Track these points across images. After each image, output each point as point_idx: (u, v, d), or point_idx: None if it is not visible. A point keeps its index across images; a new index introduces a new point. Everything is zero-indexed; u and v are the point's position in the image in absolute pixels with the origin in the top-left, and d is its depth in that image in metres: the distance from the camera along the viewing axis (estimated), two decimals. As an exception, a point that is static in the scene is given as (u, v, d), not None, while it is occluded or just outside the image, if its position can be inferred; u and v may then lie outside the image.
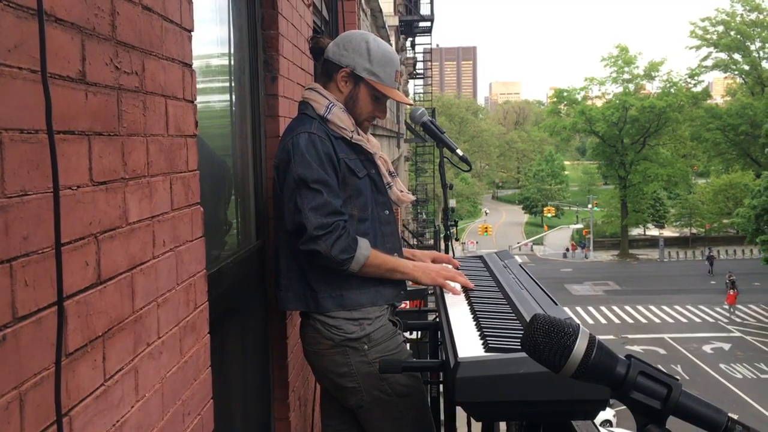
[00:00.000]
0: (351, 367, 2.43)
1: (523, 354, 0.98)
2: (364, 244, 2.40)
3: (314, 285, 2.46)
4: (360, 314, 2.45)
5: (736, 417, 0.86)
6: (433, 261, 2.79)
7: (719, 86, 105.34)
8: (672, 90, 51.14)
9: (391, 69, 2.53)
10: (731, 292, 32.81)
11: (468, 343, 1.84)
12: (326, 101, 2.50)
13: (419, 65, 31.01)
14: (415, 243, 21.21)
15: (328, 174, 2.38)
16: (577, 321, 1.01)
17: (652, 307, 33.96)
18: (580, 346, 0.88)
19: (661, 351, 26.63)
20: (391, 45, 3.07)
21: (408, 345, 5.07)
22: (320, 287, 2.46)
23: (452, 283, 2.53)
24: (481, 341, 1.84)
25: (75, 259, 1.13)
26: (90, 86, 1.19)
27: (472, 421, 2.19)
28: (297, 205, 2.36)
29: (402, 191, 2.68)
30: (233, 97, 2.68)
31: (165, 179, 1.55)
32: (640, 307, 34.03)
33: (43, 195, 1.03)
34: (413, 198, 2.77)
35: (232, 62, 2.66)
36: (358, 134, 2.53)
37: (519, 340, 0.99)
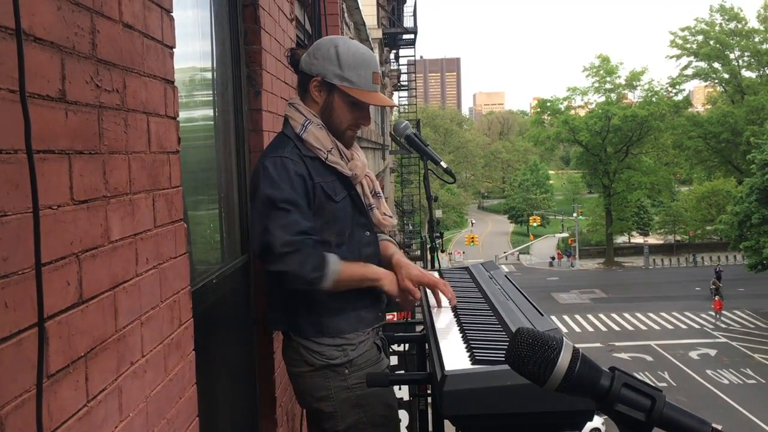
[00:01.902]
0: (330, 391, 2.36)
1: (509, 366, 0.98)
2: (333, 258, 2.28)
3: (295, 309, 2.38)
4: (343, 340, 2.37)
5: (720, 428, 0.86)
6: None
7: (700, 95, 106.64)
8: (653, 99, 51.65)
9: (365, 71, 2.37)
10: (716, 298, 33.05)
11: (455, 356, 1.83)
12: (303, 118, 2.38)
13: (403, 77, 31.14)
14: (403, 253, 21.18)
15: (298, 195, 2.27)
16: (562, 333, 1.02)
17: (638, 315, 34.11)
18: (564, 359, 0.88)
19: (648, 358, 26.73)
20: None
21: (397, 357, 5.05)
22: (301, 312, 2.37)
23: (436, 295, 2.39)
24: (468, 353, 1.84)
25: (56, 279, 1.12)
26: (70, 105, 1.19)
27: (460, 433, 2.18)
28: (265, 225, 2.24)
29: (385, 214, 2.55)
30: (217, 111, 2.68)
31: (147, 196, 1.54)
32: (626, 315, 34.18)
33: (23, 215, 1.02)
34: (395, 222, 2.67)
35: (216, 77, 2.66)
36: (338, 153, 2.39)
37: (505, 353, 0.99)
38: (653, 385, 0.90)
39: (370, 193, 2.50)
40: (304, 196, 2.29)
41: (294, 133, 2.38)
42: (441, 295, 2.43)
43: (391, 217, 2.58)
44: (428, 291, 2.70)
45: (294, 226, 2.22)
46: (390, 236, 2.74)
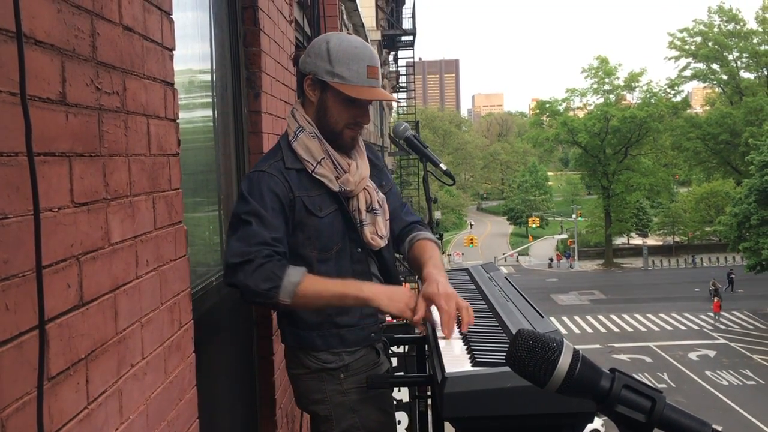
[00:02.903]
0: (325, 394, 2.30)
1: (510, 368, 0.98)
2: (294, 271, 2.06)
3: (280, 316, 2.33)
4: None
5: (720, 429, 0.86)
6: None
7: (698, 96, 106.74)
8: (652, 100, 51.70)
9: (358, 65, 2.21)
10: (715, 299, 33.10)
11: (455, 358, 1.83)
12: (296, 125, 2.28)
13: (402, 79, 31.17)
14: (400, 256, 21.20)
15: (266, 207, 2.12)
16: (562, 335, 1.02)
17: (637, 316, 34.13)
18: (564, 361, 0.88)
19: (648, 359, 26.74)
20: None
21: (396, 359, 5.05)
22: (281, 319, 2.32)
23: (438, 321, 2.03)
24: (468, 355, 1.84)
25: (56, 281, 1.12)
26: (70, 107, 1.19)
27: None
28: (227, 239, 2.15)
29: (375, 234, 2.33)
30: (216, 113, 2.68)
31: (148, 198, 1.54)
32: (625, 316, 34.19)
33: (24, 218, 1.02)
34: (383, 244, 2.36)
35: (215, 79, 2.66)
36: (331, 164, 2.25)
37: (505, 355, 1.00)
38: (653, 386, 0.91)
39: (366, 208, 2.32)
40: (275, 209, 2.15)
41: (286, 142, 2.28)
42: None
43: (381, 237, 2.35)
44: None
45: (251, 237, 2.07)
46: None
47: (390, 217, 2.42)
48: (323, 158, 2.25)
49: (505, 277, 2.90)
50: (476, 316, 2.29)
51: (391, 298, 2.11)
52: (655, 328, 31.87)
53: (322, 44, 2.25)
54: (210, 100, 2.63)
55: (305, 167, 2.23)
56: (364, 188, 2.31)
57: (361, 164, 2.34)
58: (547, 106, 56.83)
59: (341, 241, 2.29)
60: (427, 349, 2.81)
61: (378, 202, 2.35)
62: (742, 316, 33.43)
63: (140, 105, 1.51)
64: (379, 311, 2.19)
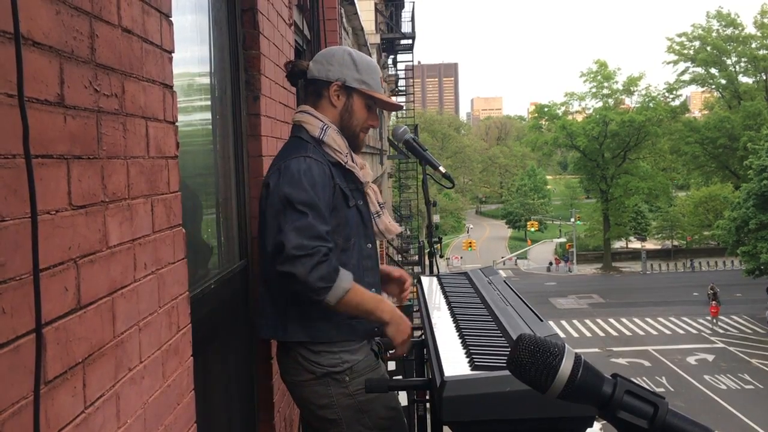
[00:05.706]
0: (332, 398, 2.34)
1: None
2: (346, 276, 2.23)
3: (285, 312, 2.36)
4: (339, 347, 2.37)
5: (722, 435, 0.85)
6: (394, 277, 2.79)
7: (697, 100, 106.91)
8: (651, 104, 51.75)
9: (376, 76, 2.53)
10: (713, 304, 33.07)
11: (454, 362, 1.83)
12: (321, 123, 2.42)
13: (401, 82, 31.18)
14: (400, 259, 21.23)
15: (319, 198, 2.26)
16: (563, 340, 1.01)
17: (636, 320, 34.11)
18: (566, 366, 0.88)
19: (646, 363, 26.71)
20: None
21: (395, 363, 5.04)
22: (291, 315, 2.35)
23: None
24: (467, 359, 1.84)
25: (54, 284, 1.11)
26: (69, 109, 1.18)
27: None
28: (279, 225, 2.24)
29: (390, 222, 2.61)
30: (215, 116, 2.67)
31: (146, 201, 1.54)
32: (624, 320, 34.17)
33: (21, 220, 1.01)
34: (400, 229, 2.70)
35: (214, 82, 2.65)
36: (352, 160, 2.46)
37: (505, 358, 0.99)
38: (656, 391, 0.90)
39: (377, 202, 2.55)
40: (325, 200, 2.29)
41: (312, 137, 2.42)
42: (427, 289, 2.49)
43: (395, 224, 2.64)
44: (425, 290, 2.71)
45: (309, 230, 2.20)
46: (389, 240, 2.80)
47: None
48: (348, 153, 2.45)
49: (504, 281, 2.89)
50: (475, 320, 2.29)
51: (398, 330, 2.38)
52: (654, 332, 31.85)
53: (345, 56, 2.50)
54: (209, 103, 2.62)
55: (338, 160, 2.41)
56: (370, 185, 2.55)
57: (366, 166, 2.56)
58: (546, 110, 56.86)
59: (355, 237, 2.44)
60: (426, 352, 2.80)
61: (381, 197, 2.60)
62: (741, 320, 33.41)
63: (139, 107, 1.50)
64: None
